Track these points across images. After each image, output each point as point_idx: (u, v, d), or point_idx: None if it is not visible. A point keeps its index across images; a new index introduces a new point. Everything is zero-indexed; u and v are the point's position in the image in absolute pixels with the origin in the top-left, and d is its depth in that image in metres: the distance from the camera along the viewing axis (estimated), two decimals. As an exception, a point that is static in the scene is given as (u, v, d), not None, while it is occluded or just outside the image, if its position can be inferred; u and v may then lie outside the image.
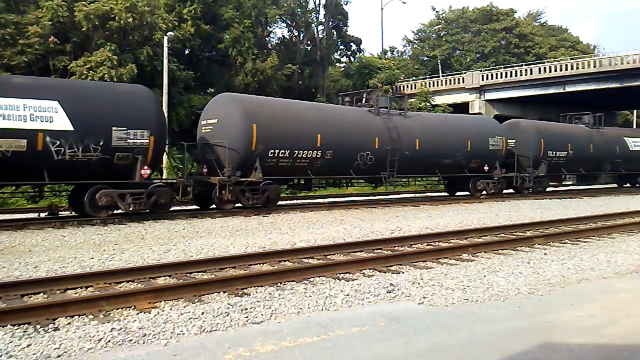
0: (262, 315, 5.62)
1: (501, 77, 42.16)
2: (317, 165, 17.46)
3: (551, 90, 40.37)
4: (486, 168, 22.68)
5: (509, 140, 24.27)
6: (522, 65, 43.89)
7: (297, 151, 16.83)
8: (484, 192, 23.03)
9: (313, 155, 17.21)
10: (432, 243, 10.43)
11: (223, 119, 16.20)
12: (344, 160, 18.18)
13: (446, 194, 25.37)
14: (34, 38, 26.21)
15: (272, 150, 16.28)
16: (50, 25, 27.03)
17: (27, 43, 26.19)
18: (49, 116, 12.48)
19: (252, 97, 18.79)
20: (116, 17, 27.77)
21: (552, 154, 25.57)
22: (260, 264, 8.35)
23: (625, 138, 30.48)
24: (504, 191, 24.22)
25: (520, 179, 24.40)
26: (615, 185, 34.82)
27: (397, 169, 19.38)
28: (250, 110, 16.41)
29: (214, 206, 16.22)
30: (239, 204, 16.17)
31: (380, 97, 20.68)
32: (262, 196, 16.35)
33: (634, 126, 58.27)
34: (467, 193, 23.40)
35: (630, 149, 30.36)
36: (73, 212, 14.94)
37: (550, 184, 28.04)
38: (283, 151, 16.50)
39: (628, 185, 33.50)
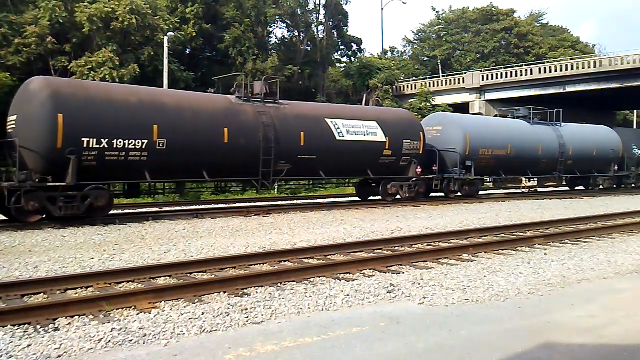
0: (262, 315, 5.62)
1: (501, 77, 42.18)
2: None
3: (551, 90, 40.38)
4: None
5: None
6: (522, 65, 43.92)
7: None
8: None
9: None
10: (432, 243, 10.43)
11: None
12: None
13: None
14: (31, 38, 26.19)
15: None
16: (49, 25, 27.03)
17: (24, 43, 26.16)
18: None
19: None
20: (119, 18, 27.81)
21: (89, 145, 12.92)
22: (260, 264, 8.35)
23: (329, 120, 17.60)
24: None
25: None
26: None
27: None
28: None
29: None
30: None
31: None
32: None
33: (634, 126, 58.13)
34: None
35: (338, 138, 17.56)
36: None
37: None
38: None
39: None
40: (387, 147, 18.92)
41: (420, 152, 19.91)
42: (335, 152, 17.55)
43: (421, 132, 20.06)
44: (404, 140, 19.36)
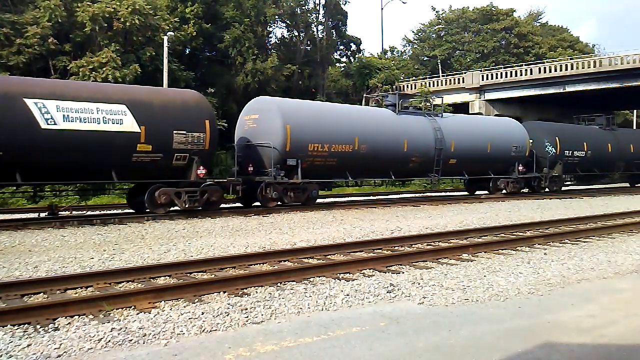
0: (262, 315, 5.62)
1: (501, 77, 42.19)
2: None
3: (551, 90, 40.39)
4: None
5: None
6: (522, 65, 43.91)
7: None
8: None
9: None
10: (432, 243, 10.43)
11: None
12: None
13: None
14: (33, 38, 26.20)
15: None
16: (50, 25, 27.05)
17: (25, 43, 26.17)
18: None
19: None
20: (121, 19, 27.83)
21: None
22: (260, 264, 8.35)
23: (32, 101, 12.48)
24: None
25: None
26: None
27: None
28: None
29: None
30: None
31: None
32: None
33: (634, 126, 58.10)
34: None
35: (47, 127, 12.56)
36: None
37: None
38: None
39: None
40: (143, 141, 13.89)
41: (207, 148, 15.06)
42: (43, 148, 12.52)
43: (207, 121, 15.00)
44: (176, 132, 14.41)
